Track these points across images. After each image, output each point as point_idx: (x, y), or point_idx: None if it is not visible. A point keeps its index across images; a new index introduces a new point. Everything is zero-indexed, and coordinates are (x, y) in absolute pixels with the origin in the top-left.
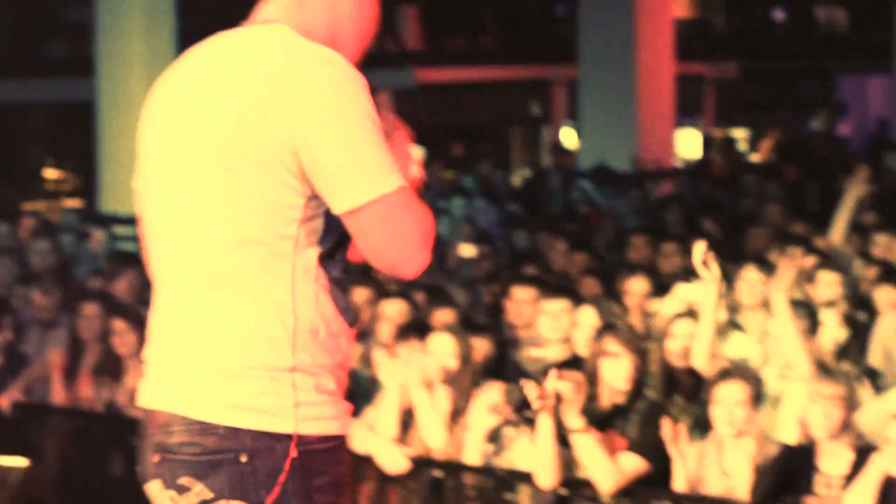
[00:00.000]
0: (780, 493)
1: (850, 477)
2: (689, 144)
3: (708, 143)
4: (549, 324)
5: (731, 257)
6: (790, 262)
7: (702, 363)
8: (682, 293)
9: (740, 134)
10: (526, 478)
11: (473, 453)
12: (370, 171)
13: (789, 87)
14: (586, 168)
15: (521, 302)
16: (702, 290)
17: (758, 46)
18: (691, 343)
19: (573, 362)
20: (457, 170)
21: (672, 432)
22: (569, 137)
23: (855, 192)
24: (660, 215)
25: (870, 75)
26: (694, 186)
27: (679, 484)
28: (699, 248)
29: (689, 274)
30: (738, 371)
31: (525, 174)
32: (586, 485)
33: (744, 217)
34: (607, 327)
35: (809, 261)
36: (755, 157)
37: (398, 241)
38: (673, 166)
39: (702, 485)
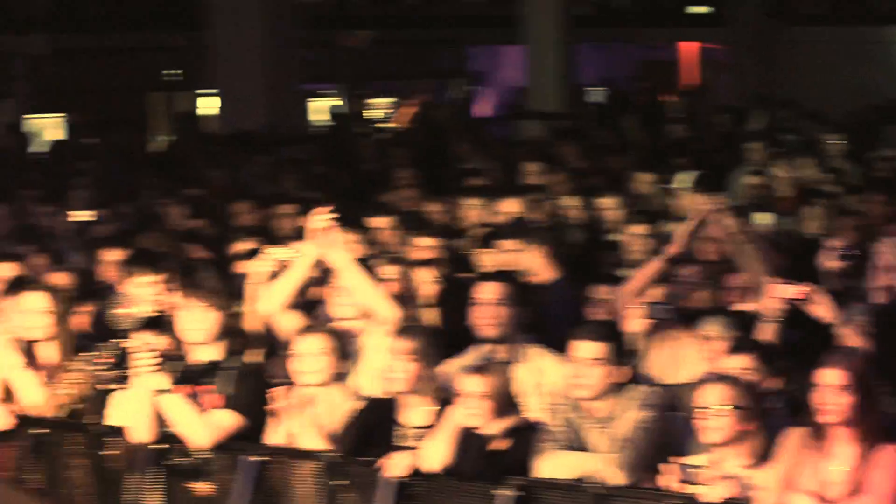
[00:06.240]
0: (362, 444)
1: (431, 429)
2: (324, 112)
3: (337, 108)
4: (135, 290)
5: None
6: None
7: (269, 310)
8: (273, 255)
9: (376, 101)
10: (121, 433)
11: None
12: None
13: (425, 57)
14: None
15: (110, 263)
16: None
17: (395, 16)
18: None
19: (160, 320)
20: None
21: (276, 391)
22: (203, 103)
23: None
24: (281, 179)
25: (503, 45)
26: (321, 151)
27: (274, 437)
28: (292, 208)
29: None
30: (318, 325)
31: (161, 141)
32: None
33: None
34: (189, 285)
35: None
36: (392, 125)
37: None
38: (302, 132)
39: (296, 438)
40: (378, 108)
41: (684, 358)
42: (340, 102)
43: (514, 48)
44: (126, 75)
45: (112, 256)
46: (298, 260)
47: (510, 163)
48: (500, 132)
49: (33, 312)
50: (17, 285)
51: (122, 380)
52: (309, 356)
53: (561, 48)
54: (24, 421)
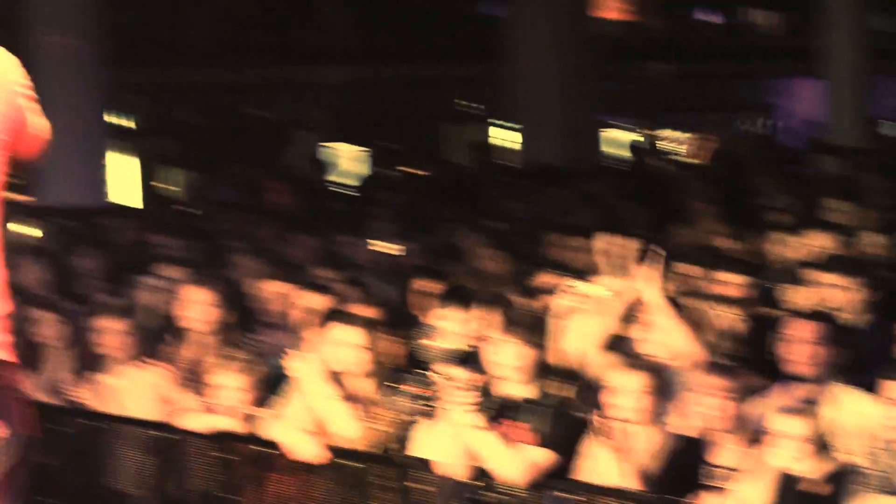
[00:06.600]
0: (675, 484)
1: (744, 470)
2: (616, 144)
3: (636, 142)
4: (446, 324)
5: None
6: (656, 257)
7: (580, 348)
8: (582, 289)
9: (671, 134)
10: (432, 467)
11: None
12: None
13: (719, 90)
14: (520, 166)
15: (419, 294)
16: (602, 287)
17: (690, 48)
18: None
19: (470, 354)
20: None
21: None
22: (497, 134)
23: None
24: (582, 212)
25: (798, 78)
26: (619, 185)
27: (585, 474)
28: (603, 241)
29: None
30: (638, 361)
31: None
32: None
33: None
34: (505, 319)
35: None
36: (691, 159)
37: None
38: (600, 164)
39: (607, 475)
40: (674, 141)
41: None
42: (638, 136)
43: (807, 81)
44: (421, 106)
45: (421, 288)
46: (614, 297)
47: (812, 198)
48: (799, 167)
49: (345, 345)
50: (328, 317)
51: (432, 413)
52: (628, 393)
53: (861, 81)
54: (336, 453)
